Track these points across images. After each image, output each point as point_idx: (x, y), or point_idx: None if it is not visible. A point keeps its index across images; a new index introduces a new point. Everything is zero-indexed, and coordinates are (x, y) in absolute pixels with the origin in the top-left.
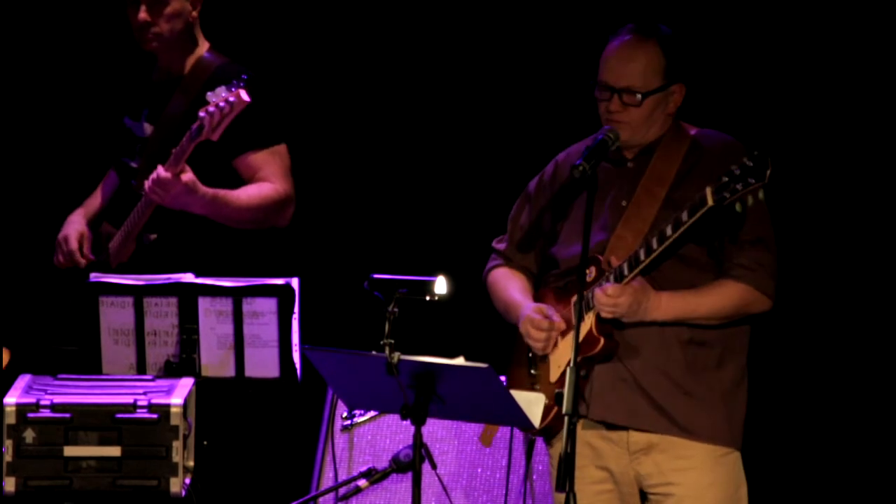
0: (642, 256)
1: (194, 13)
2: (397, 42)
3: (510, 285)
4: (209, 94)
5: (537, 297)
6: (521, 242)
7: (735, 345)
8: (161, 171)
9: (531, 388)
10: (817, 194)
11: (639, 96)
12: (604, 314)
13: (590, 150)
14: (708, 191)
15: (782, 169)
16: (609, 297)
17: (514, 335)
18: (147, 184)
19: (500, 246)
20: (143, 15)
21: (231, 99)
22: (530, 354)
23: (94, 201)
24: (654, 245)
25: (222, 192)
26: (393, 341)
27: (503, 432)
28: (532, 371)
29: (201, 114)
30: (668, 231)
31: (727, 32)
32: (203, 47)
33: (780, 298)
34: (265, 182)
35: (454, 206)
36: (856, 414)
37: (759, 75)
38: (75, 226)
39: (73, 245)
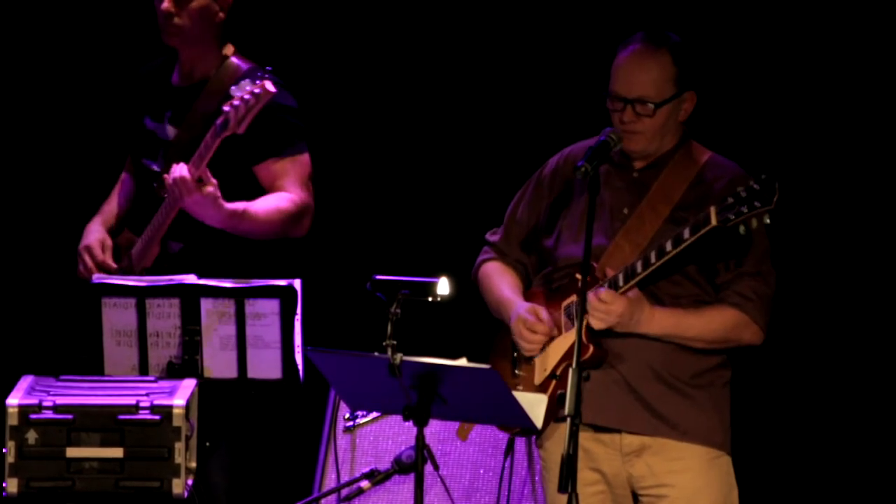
0: (639, 269)
1: (221, 14)
2: (400, 44)
3: (502, 281)
4: (233, 88)
5: (528, 296)
6: (517, 235)
7: (723, 355)
8: (184, 170)
9: (513, 389)
10: (810, 196)
11: (651, 106)
12: (594, 321)
13: (592, 150)
14: (712, 210)
15: (783, 172)
16: (602, 303)
17: (494, 333)
18: (167, 179)
19: (494, 238)
20: (166, 4)
21: (256, 91)
22: (515, 354)
23: (111, 208)
24: (653, 259)
25: (241, 209)
26: (395, 342)
27: (493, 431)
28: (516, 371)
29: (226, 108)
30: (668, 247)
31: (735, 38)
32: (228, 51)
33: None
34: (283, 192)
35: (457, 207)
36: (846, 417)
37: (765, 82)
38: (96, 234)
39: (101, 255)
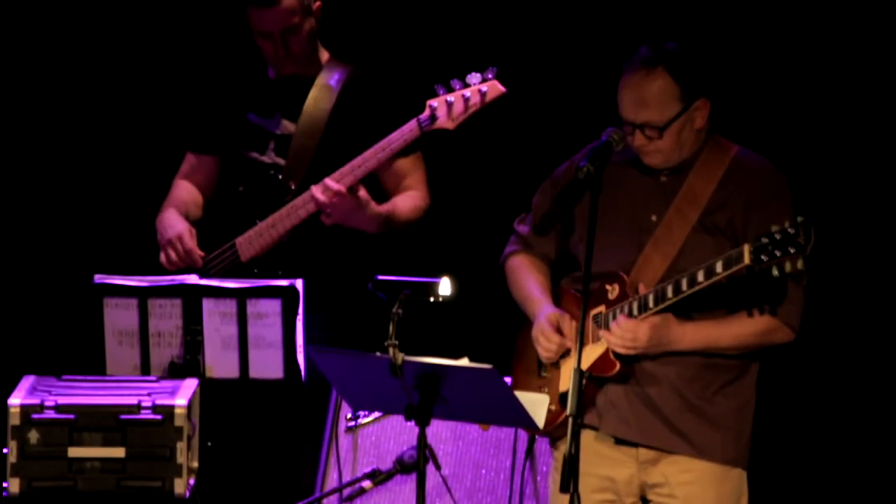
0: (670, 294)
1: (316, 23)
2: (403, 41)
3: (529, 278)
4: (438, 86)
5: (558, 295)
6: (543, 228)
7: (750, 366)
8: (332, 183)
9: (538, 391)
10: (822, 194)
11: (657, 130)
12: (620, 349)
13: (594, 151)
14: (746, 249)
15: (793, 170)
16: (626, 331)
17: (497, 334)
18: (320, 198)
19: (522, 229)
20: (295, 48)
21: (483, 89)
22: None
23: (183, 196)
24: (684, 287)
25: (389, 209)
26: (397, 342)
27: (507, 430)
28: (542, 374)
29: (432, 104)
30: (700, 277)
31: (746, 37)
32: (324, 53)
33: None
34: (414, 191)
35: (459, 207)
36: (855, 423)
37: (775, 77)
38: (182, 224)
39: (191, 243)
